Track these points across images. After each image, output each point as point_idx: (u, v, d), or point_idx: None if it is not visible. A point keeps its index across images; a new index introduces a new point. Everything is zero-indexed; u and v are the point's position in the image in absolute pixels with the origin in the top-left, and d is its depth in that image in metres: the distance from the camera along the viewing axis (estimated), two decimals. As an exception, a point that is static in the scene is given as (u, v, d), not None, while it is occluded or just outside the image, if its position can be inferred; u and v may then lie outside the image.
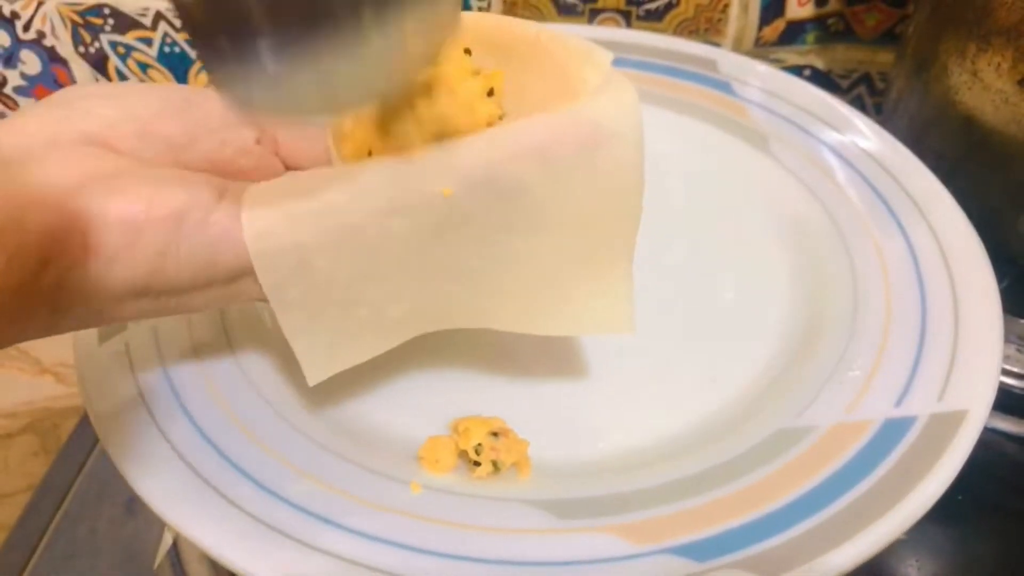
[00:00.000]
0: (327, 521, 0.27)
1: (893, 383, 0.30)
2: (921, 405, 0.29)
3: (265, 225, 0.24)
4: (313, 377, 0.27)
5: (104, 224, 0.23)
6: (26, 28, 0.58)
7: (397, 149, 0.24)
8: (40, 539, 0.39)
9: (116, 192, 0.23)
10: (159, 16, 0.57)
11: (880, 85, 0.59)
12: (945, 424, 0.28)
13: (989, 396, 0.29)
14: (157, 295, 0.24)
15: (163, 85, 0.27)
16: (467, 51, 0.27)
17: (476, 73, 0.27)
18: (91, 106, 0.26)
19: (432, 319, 0.28)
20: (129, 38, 0.59)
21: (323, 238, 0.24)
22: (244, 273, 0.25)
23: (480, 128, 0.25)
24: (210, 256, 0.24)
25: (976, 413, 0.29)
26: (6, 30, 0.58)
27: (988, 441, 0.32)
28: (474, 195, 0.24)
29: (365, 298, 0.26)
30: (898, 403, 0.29)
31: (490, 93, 0.26)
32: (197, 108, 0.27)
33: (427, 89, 0.24)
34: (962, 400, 0.29)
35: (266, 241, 0.24)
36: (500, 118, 0.26)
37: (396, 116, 0.24)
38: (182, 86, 0.27)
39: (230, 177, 0.27)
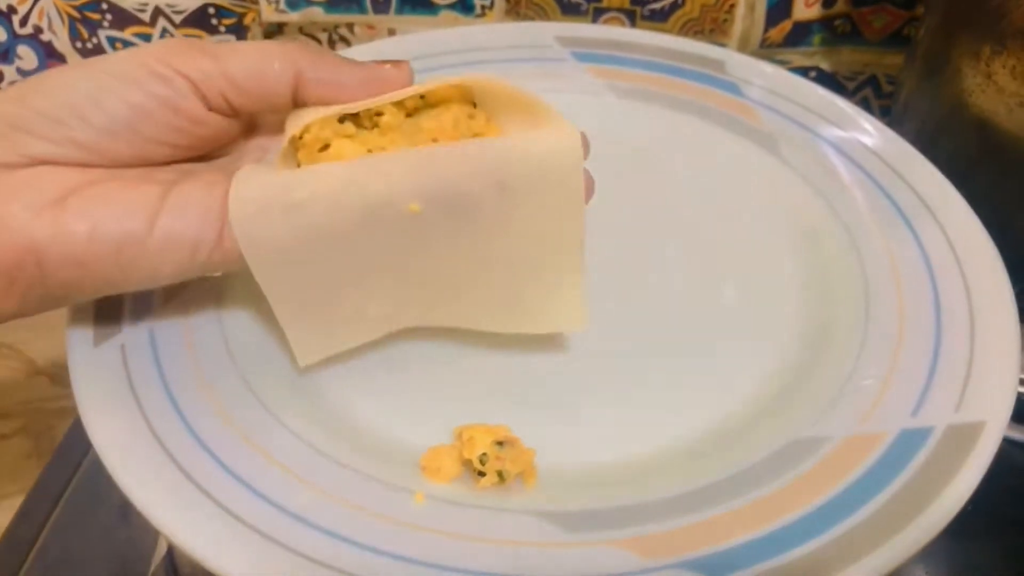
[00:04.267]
0: (327, 532, 0.26)
1: (909, 392, 0.30)
2: (938, 415, 0.29)
3: (253, 230, 0.27)
4: (303, 359, 0.31)
5: (53, 260, 0.26)
6: (23, 23, 0.58)
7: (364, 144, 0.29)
8: (32, 545, 0.39)
9: (60, 227, 0.26)
10: (158, 12, 0.57)
11: (887, 87, 0.58)
12: (963, 436, 0.28)
13: (1008, 407, 0.29)
14: (118, 289, 0.28)
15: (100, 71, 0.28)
16: (474, 104, 0.30)
17: (472, 116, 0.30)
18: (32, 129, 0.27)
19: (410, 317, 0.32)
20: (127, 34, 0.58)
21: (305, 247, 0.27)
22: (198, 266, 0.28)
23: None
24: (156, 265, 0.27)
25: (994, 424, 0.28)
26: (2, 24, 0.58)
27: (1000, 451, 0.31)
28: (438, 212, 0.28)
29: (346, 298, 0.30)
30: (914, 413, 0.29)
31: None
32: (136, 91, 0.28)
33: (428, 109, 0.30)
34: (980, 411, 0.28)
35: (255, 245, 0.27)
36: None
37: (394, 118, 0.29)
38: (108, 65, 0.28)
39: (193, 149, 0.30)
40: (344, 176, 0.27)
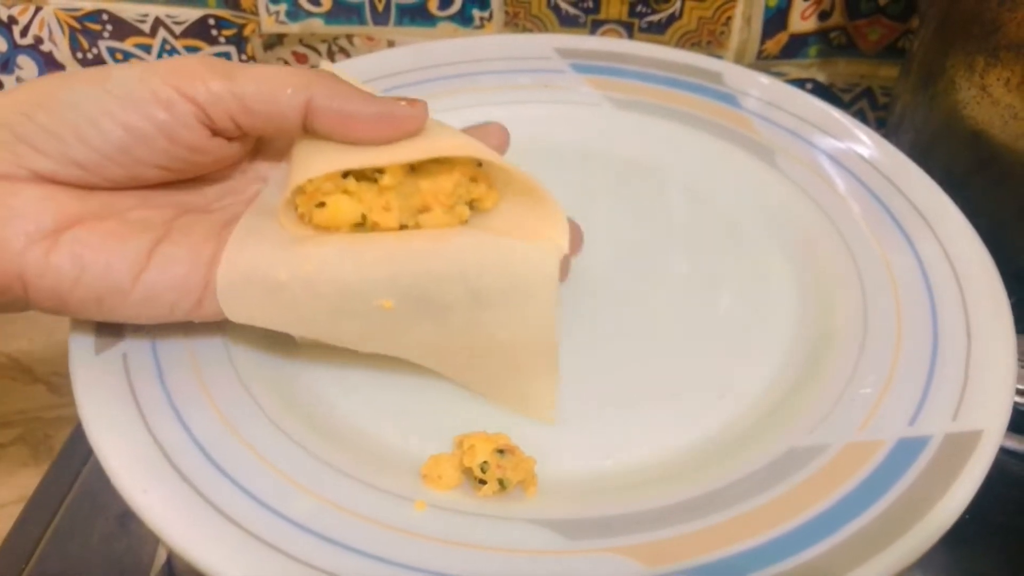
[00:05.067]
0: (328, 539, 0.26)
1: (906, 401, 0.30)
2: (936, 424, 0.29)
3: (238, 308, 0.29)
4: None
5: (38, 291, 0.27)
6: (23, 33, 0.58)
7: (364, 204, 0.29)
8: (31, 554, 0.38)
9: (50, 264, 0.27)
10: (158, 22, 0.57)
11: (882, 99, 0.59)
12: (960, 444, 0.28)
13: (1004, 416, 0.29)
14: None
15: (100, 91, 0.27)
16: (479, 163, 0.31)
17: (474, 179, 0.30)
18: (35, 143, 0.27)
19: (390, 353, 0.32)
20: (128, 44, 0.58)
21: (286, 323, 0.30)
22: (176, 319, 0.29)
23: (446, 220, 0.30)
24: (135, 315, 0.29)
25: (991, 433, 0.28)
26: (3, 35, 0.58)
27: (996, 460, 0.32)
28: (410, 309, 0.29)
29: (327, 337, 0.31)
30: (912, 422, 0.29)
31: (471, 204, 0.31)
32: (133, 111, 0.27)
33: (432, 165, 0.30)
34: (977, 420, 0.29)
35: (239, 316, 0.29)
36: (464, 221, 0.31)
37: (394, 178, 0.29)
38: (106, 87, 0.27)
39: (189, 172, 0.30)
40: (323, 264, 0.29)
